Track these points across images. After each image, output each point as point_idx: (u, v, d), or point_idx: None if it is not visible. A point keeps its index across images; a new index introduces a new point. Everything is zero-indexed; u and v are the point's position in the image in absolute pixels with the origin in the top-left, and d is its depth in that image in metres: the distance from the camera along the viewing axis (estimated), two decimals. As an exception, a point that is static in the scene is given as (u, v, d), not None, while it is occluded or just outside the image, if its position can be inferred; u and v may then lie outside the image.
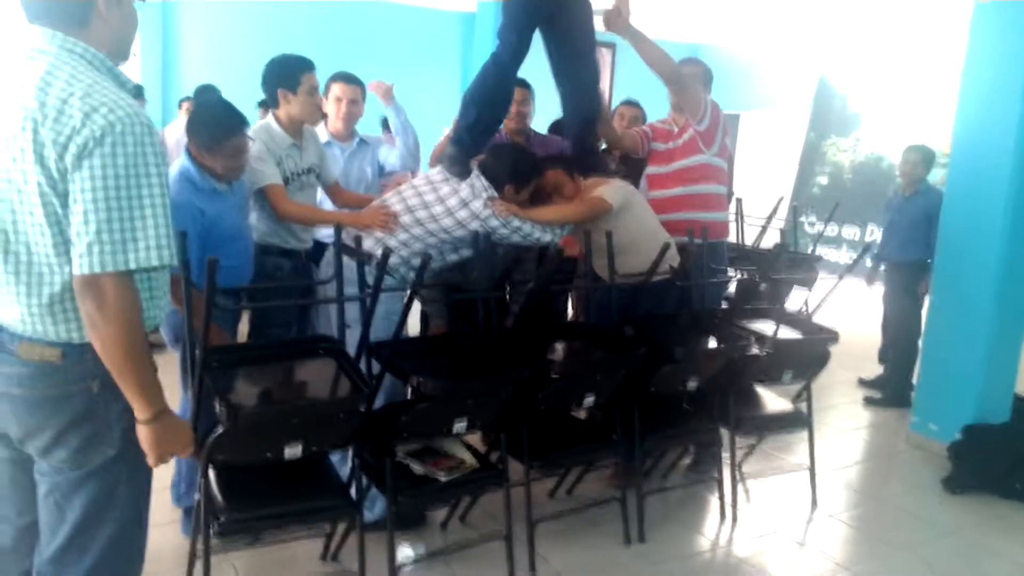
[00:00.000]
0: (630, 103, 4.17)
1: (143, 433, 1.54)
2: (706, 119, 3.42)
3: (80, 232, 1.39)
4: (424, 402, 2.44)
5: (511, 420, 2.72)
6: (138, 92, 5.91)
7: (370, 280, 2.51)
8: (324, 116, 3.59)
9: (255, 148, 2.91)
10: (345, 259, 2.65)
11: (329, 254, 2.92)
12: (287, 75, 3.02)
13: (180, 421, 1.62)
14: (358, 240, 2.68)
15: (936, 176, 5.35)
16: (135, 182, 1.42)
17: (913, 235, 4.77)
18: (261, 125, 3.08)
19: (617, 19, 3.28)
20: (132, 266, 1.42)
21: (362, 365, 2.53)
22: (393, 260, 2.84)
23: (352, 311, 2.64)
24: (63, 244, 1.44)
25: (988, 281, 3.90)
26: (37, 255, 1.46)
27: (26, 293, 1.48)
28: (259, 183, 2.93)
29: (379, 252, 2.51)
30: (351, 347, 2.54)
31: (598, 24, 3.31)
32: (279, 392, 2.38)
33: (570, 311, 4.09)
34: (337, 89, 3.57)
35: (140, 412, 1.52)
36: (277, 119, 3.07)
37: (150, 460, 1.58)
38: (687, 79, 3.43)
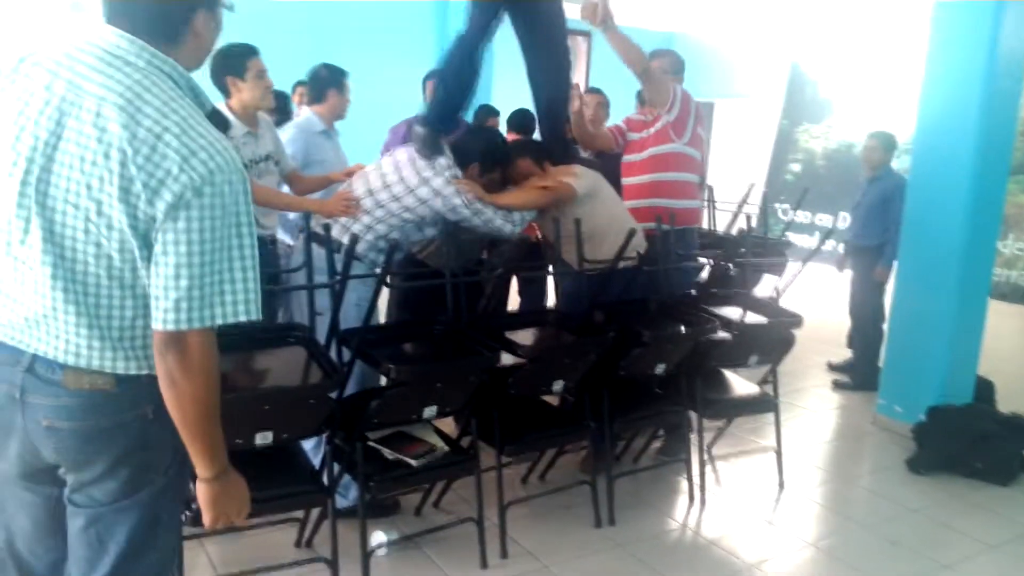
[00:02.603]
0: (593, 90, 4.23)
1: (204, 492, 1.45)
2: (675, 108, 3.49)
3: (168, 286, 1.31)
4: (394, 388, 2.47)
5: (482, 405, 2.76)
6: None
7: (339, 267, 2.54)
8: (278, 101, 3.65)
9: None
10: (315, 246, 2.67)
11: (299, 242, 2.94)
12: (233, 62, 3.07)
13: (240, 480, 1.51)
14: (327, 228, 2.69)
15: (906, 163, 5.44)
16: (229, 233, 1.35)
17: (871, 219, 4.87)
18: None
19: (594, 13, 3.32)
20: (219, 321, 1.35)
21: (333, 353, 2.57)
22: (361, 246, 2.87)
23: (323, 299, 2.66)
24: (131, 281, 1.36)
25: (951, 265, 3.98)
26: (100, 287, 1.36)
27: (87, 325, 1.36)
28: None
29: (346, 239, 2.53)
30: (323, 335, 2.56)
31: (575, 12, 3.35)
32: (250, 380, 2.40)
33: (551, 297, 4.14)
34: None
35: (204, 470, 1.43)
36: (230, 108, 3.12)
37: (206, 520, 1.49)
38: (657, 72, 3.50)
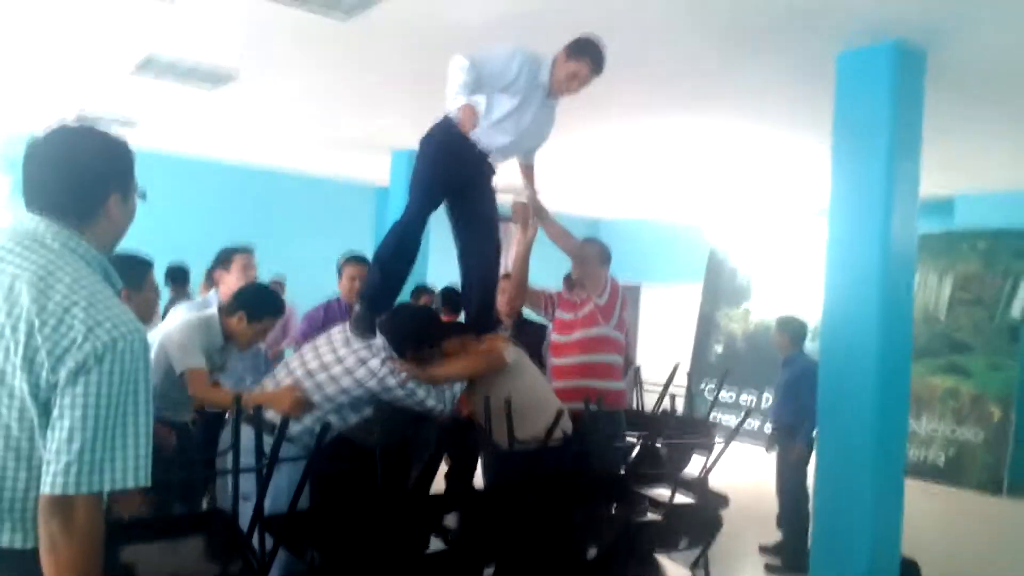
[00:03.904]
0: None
1: None
2: (606, 294, 3.70)
3: (61, 450, 1.33)
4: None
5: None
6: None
7: (267, 449, 2.51)
8: None
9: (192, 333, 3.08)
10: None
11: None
12: (256, 307, 3.23)
13: None
14: (258, 409, 2.68)
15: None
16: (125, 400, 1.38)
17: (787, 401, 5.10)
18: (207, 317, 3.20)
19: (525, 211, 3.58)
20: (107, 488, 1.36)
21: (256, 540, 2.48)
22: (295, 428, 2.85)
23: (250, 483, 2.60)
24: (28, 451, 1.37)
25: (866, 447, 4.11)
26: None
27: None
28: (187, 365, 2.99)
29: (279, 421, 2.52)
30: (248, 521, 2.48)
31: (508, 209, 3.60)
32: (162, 571, 2.29)
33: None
34: None
35: None
36: (222, 321, 3.22)
37: None
38: (590, 259, 3.73)
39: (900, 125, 4.22)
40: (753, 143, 6.55)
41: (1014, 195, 7.68)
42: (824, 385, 4.37)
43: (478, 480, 4.22)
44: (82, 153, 1.51)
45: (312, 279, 7.84)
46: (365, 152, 7.90)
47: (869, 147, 4.25)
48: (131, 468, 1.38)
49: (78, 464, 1.32)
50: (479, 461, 3.95)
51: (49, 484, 1.32)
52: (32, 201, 1.49)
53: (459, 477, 4.38)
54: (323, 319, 4.07)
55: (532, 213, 3.59)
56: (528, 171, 3.59)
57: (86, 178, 1.50)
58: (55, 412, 1.34)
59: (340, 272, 4.29)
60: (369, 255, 4.18)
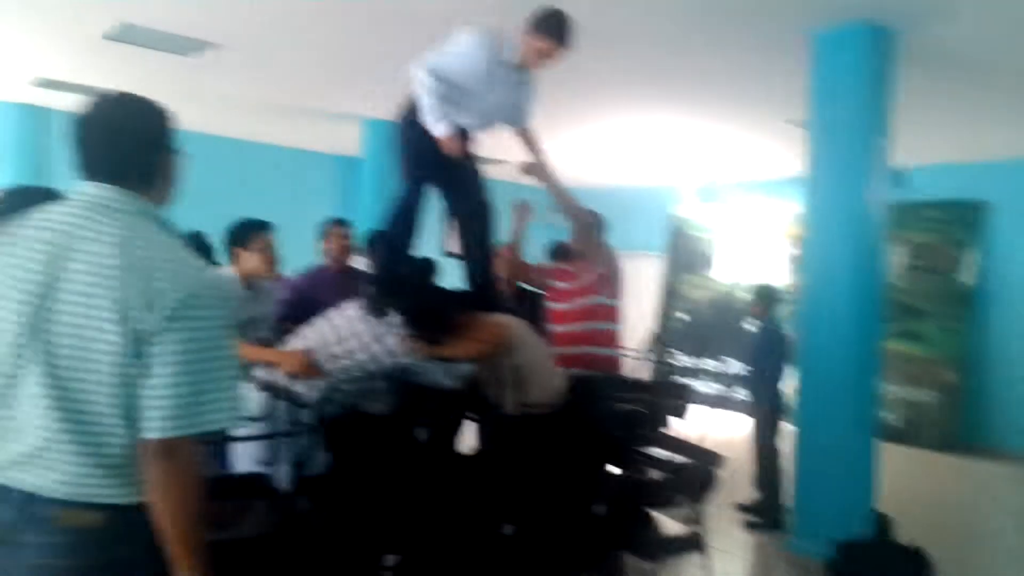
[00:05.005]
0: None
1: None
2: (606, 264, 3.80)
3: (163, 396, 1.40)
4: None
5: (436, 551, 2.76)
6: None
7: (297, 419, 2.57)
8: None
9: None
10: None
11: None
12: (240, 235, 3.26)
13: None
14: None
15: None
16: (216, 344, 1.47)
17: (758, 366, 5.31)
18: (220, 274, 3.21)
19: (536, 169, 3.57)
20: (207, 428, 1.44)
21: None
22: (312, 395, 2.90)
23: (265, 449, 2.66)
24: (127, 404, 1.41)
25: (845, 409, 4.35)
26: (100, 414, 1.42)
27: (86, 453, 1.41)
28: None
29: (302, 389, 2.57)
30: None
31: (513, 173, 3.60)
32: (225, 531, 2.33)
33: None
34: None
35: (190, 572, 1.45)
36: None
37: None
38: (594, 228, 3.82)
39: (873, 102, 4.40)
40: (721, 118, 6.69)
41: (967, 167, 8.00)
42: (803, 349, 4.57)
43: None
44: (138, 120, 1.58)
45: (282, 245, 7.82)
46: (332, 122, 7.83)
47: (845, 123, 4.42)
48: (225, 408, 1.46)
49: (178, 408, 1.40)
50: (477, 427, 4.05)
51: (154, 429, 1.40)
52: (95, 171, 1.53)
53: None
54: (309, 286, 4.00)
55: (543, 177, 3.59)
56: (525, 136, 3.54)
57: (146, 144, 1.58)
58: (151, 361, 1.41)
59: (325, 235, 4.24)
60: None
